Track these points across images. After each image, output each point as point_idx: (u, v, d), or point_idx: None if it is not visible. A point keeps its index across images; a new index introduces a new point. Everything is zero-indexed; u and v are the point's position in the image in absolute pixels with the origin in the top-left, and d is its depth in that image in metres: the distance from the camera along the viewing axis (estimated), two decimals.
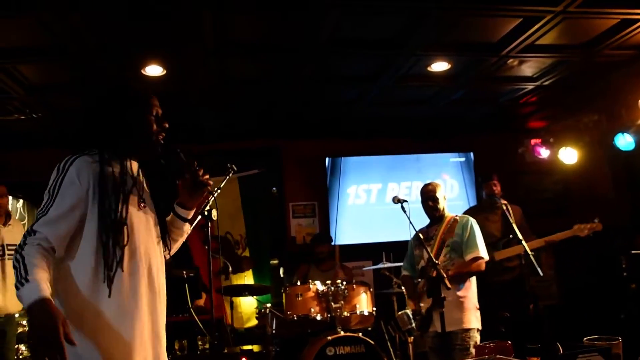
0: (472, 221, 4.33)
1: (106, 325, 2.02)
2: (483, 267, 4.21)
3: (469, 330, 4.06)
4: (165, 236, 2.34)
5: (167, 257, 2.42)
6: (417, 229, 4.24)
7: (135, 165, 2.25)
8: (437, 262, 3.98)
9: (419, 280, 4.31)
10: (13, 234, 5.16)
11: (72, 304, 2.02)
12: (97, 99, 2.27)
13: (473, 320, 4.11)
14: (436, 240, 4.27)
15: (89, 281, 2.03)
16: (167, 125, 2.30)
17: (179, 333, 4.97)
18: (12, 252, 5.03)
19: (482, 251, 4.24)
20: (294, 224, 7.26)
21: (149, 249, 2.19)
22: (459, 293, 4.13)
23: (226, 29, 4.30)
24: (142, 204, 2.21)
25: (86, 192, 2.04)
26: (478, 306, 4.20)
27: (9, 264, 4.91)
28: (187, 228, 2.49)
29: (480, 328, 4.14)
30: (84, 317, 2.00)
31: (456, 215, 4.41)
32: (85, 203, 2.04)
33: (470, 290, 4.21)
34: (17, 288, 1.87)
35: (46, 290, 1.87)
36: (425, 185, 4.50)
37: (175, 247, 2.50)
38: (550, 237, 5.06)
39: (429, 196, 4.42)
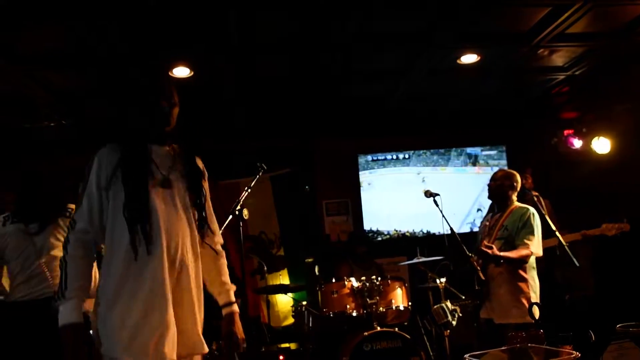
0: (532, 211, 4.17)
1: (133, 305, 2.14)
2: (527, 258, 4.06)
3: (522, 324, 3.83)
4: (203, 217, 2.41)
5: (213, 239, 2.52)
6: (486, 217, 4.20)
7: (160, 149, 2.36)
8: (470, 254, 3.97)
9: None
10: None
11: (105, 285, 2.18)
12: (111, 94, 2.49)
13: (527, 314, 4.01)
14: (495, 230, 4.20)
15: (121, 262, 2.17)
16: (175, 100, 2.39)
17: (216, 333, 5.01)
18: None
19: (534, 245, 4.06)
20: (328, 221, 7.29)
21: (173, 229, 2.26)
22: (513, 285, 4.05)
23: (252, 27, 4.33)
24: (167, 185, 2.30)
25: (107, 178, 2.22)
26: (534, 299, 4.02)
27: None
28: None
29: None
30: (115, 299, 2.14)
31: (518, 205, 4.30)
32: (107, 188, 2.22)
33: (526, 283, 4.06)
34: (56, 299, 2.15)
35: (79, 313, 2.14)
36: (497, 171, 4.51)
37: None
38: (587, 231, 4.99)
39: (491, 177, 4.41)
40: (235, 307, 2.56)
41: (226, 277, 2.58)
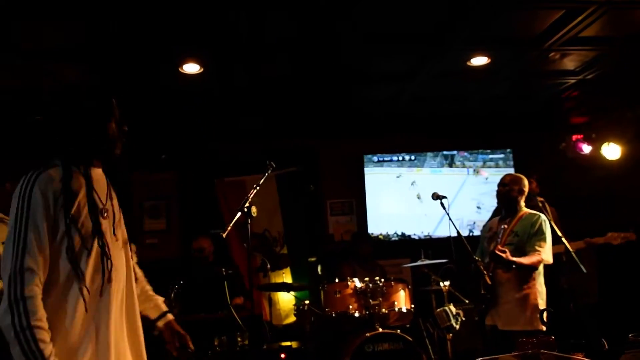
0: (543, 218, 4.14)
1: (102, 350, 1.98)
2: (538, 265, 4.02)
3: (530, 332, 3.82)
4: (130, 236, 2.27)
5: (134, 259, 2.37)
6: (489, 219, 4.17)
7: (98, 172, 2.17)
8: (477, 258, 3.93)
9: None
10: None
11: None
12: (56, 107, 2.15)
13: (535, 321, 3.92)
14: (504, 236, 4.14)
15: (75, 303, 1.95)
16: (126, 129, 2.20)
17: (218, 329, 5.02)
18: None
19: (545, 252, 4.02)
20: (332, 221, 7.28)
21: (119, 262, 2.13)
22: (521, 291, 4.01)
23: (261, 26, 4.31)
24: (105, 213, 2.11)
25: (53, 211, 1.94)
26: (542, 306, 3.98)
27: None
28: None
29: (544, 330, 3.88)
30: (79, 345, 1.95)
31: (528, 212, 4.26)
32: (54, 221, 1.95)
33: (534, 289, 4.02)
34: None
35: None
36: (506, 174, 4.42)
37: None
38: (591, 239, 4.97)
39: (499, 182, 4.34)
40: (170, 315, 2.47)
41: (152, 291, 2.50)
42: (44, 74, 4.85)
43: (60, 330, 1.92)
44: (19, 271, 1.83)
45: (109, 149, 2.16)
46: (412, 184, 7.19)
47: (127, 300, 2.15)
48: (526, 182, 4.31)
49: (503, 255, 3.83)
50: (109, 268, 2.03)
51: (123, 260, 2.16)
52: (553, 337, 2.04)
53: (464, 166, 7.35)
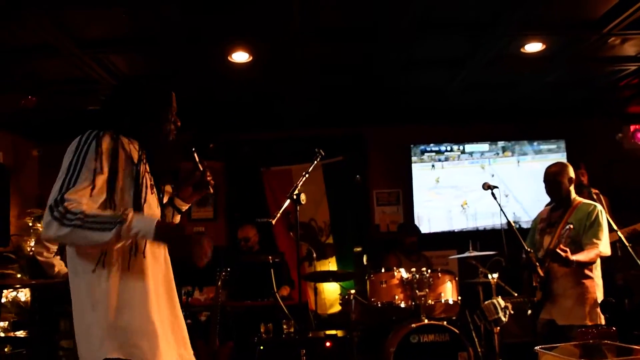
0: (599, 209, 3.97)
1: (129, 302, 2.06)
2: (596, 259, 3.88)
3: (588, 326, 3.70)
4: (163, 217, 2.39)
5: None
6: (542, 210, 4.12)
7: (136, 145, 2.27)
8: (529, 249, 3.83)
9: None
10: None
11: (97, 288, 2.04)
12: (125, 89, 2.36)
13: (594, 315, 3.81)
14: (558, 228, 3.98)
15: (118, 264, 2.08)
16: (179, 124, 2.38)
17: (264, 317, 5.05)
18: None
19: (603, 245, 3.87)
20: (378, 211, 7.24)
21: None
22: (579, 286, 3.87)
23: (313, 13, 4.29)
24: (153, 188, 2.25)
25: (109, 165, 2.07)
26: (600, 299, 3.87)
27: None
28: (178, 219, 2.52)
29: (602, 324, 3.80)
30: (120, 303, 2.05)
31: (583, 201, 4.09)
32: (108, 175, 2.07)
33: (592, 283, 3.89)
34: (114, 225, 1.92)
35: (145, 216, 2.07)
36: (549, 166, 4.21)
37: None
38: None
39: (544, 179, 4.15)
40: None
41: None
42: (99, 62, 4.93)
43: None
44: (62, 199, 1.94)
45: (161, 136, 2.31)
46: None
47: (165, 271, 2.26)
48: (570, 167, 4.14)
49: (563, 254, 3.68)
50: None
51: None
52: (615, 328, 1.96)
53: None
